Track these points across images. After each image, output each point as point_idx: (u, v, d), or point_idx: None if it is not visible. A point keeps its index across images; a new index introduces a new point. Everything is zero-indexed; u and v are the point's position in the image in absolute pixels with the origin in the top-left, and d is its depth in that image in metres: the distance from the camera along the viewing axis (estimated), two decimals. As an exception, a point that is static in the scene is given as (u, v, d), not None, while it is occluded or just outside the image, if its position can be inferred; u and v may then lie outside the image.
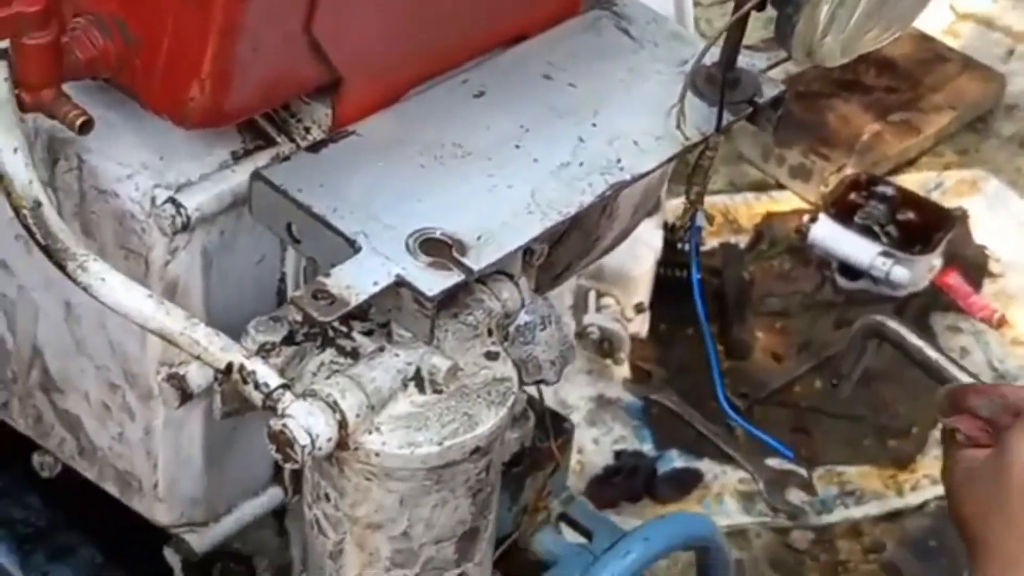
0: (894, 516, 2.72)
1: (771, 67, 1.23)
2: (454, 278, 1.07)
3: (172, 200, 1.14)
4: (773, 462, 2.75)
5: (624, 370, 2.87)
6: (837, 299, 3.10)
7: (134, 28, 1.08)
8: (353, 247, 1.08)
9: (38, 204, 1.08)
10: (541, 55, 1.25)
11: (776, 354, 3.00)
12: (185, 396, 1.24)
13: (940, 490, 2.72)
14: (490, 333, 1.19)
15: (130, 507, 1.38)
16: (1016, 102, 3.58)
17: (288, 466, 1.10)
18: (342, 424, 1.10)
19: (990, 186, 3.32)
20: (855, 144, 3.32)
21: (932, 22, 3.74)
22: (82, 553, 1.63)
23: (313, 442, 1.08)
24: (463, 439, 1.12)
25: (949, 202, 3.23)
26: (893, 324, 1.39)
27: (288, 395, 1.09)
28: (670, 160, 1.18)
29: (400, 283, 1.06)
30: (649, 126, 1.20)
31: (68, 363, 1.30)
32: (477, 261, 1.08)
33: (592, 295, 2.80)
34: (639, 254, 2.78)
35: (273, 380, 1.10)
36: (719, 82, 1.19)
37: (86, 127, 1.08)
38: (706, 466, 2.76)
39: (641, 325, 2.85)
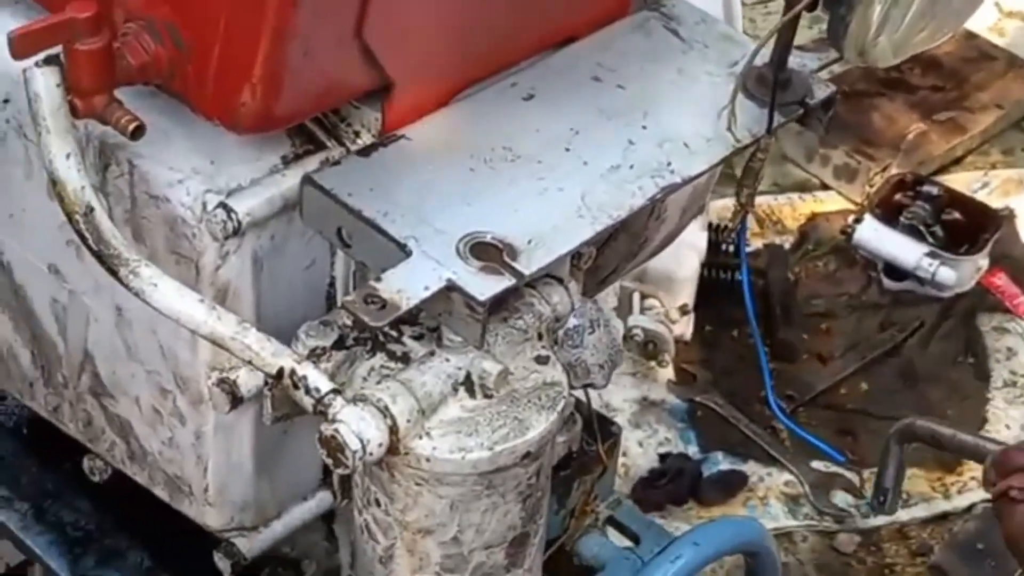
0: (941, 519, 2.70)
1: (822, 68, 1.22)
2: (505, 282, 1.07)
3: (223, 205, 1.14)
4: (819, 465, 2.73)
5: (668, 372, 2.85)
6: (883, 300, 3.07)
7: (186, 33, 1.08)
8: (404, 251, 1.08)
9: (91, 209, 1.09)
10: (590, 56, 1.25)
11: (821, 356, 2.98)
12: (236, 400, 1.24)
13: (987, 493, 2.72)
14: (540, 337, 1.19)
15: (180, 511, 1.38)
16: (1063, 101, 3.54)
17: (339, 471, 1.10)
18: (393, 429, 1.10)
19: (1037, 185, 3.29)
20: (900, 144, 3.29)
21: (977, 20, 3.70)
22: (131, 557, 1.64)
23: (364, 447, 1.08)
24: (514, 444, 1.12)
25: (996, 202, 3.20)
26: (921, 423, 1.42)
27: (339, 400, 1.09)
28: (721, 162, 1.17)
29: (451, 287, 1.06)
30: (699, 128, 1.19)
31: (119, 368, 1.31)
32: (528, 265, 1.08)
33: (636, 297, 2.78)
34: (683, 256, 2.77)
35: (324, 385, 1.10)
36: (770, 83, 1.19)
37: (138, 132, 1.08)
38: (751, 468, 2.74)
39: (685, 327, 2.83)
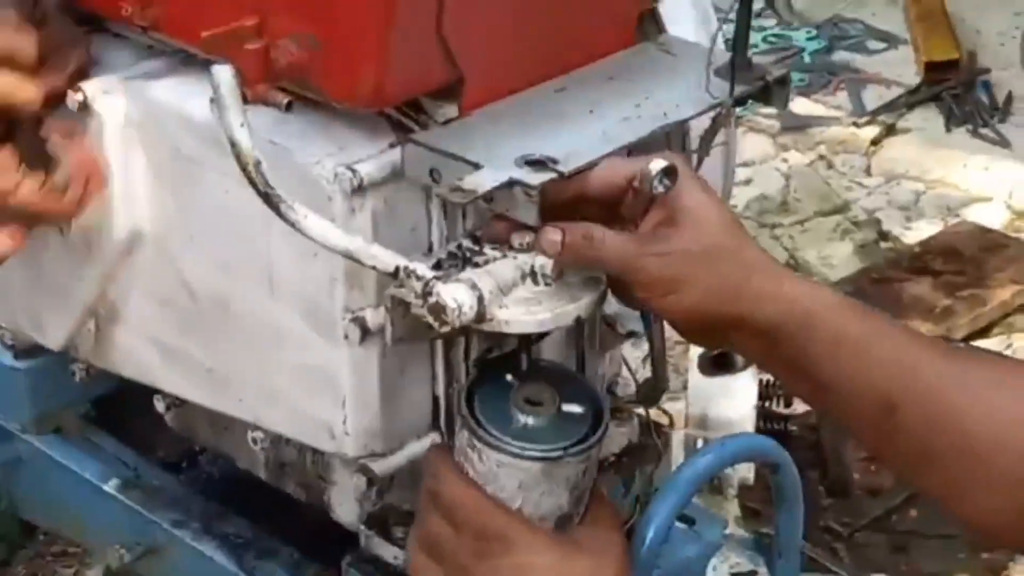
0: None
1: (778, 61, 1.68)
2: (551, 174, 1.51)
3: (351, 169, 1.60)
4: (876, 576, 3.05)
5: (735, 509, 3.21)
6: (925, 443, 3.42)
7: (320, 38, 1.56)
8: (477, 168, 1.53)
9: (259, 163, 1.54)
10: (605, 69, 1.73)
11: (873, 489, 3.32)
12: (365, 332, 1.66)
13: (1031, 591, 3.01)
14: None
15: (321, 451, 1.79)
16: (1078, 280, 3.94)
17: (442, 330, 1.51)
18: (480, 299, 1.52)
19: (1057, 336, 3.65)
20: (928, 316, 3.70)
21: (992, 220, 4.16)
22: (282, 553, 2.04)
23: (460, 308, 1.50)
24: (568, 307, 1.54)
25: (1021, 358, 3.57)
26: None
27: (440, 282, 1.53)
28: (704, 112, 1.63)
29: (512, 182, 1.51)
30: (687, 97, 1.66)
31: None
32: (567, 167, 1.53)
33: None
34: (738, 401, 3.17)
35: (428, 273, 1.54)
36: (735, 65, 1.65)
37: (290, 106, 1.56)
38: (815, 582, 3.06)
39: (747, 471, 3.21)
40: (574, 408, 1.48)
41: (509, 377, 1.49)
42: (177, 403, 1.97)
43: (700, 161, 1.65)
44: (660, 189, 1.43)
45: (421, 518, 1.46)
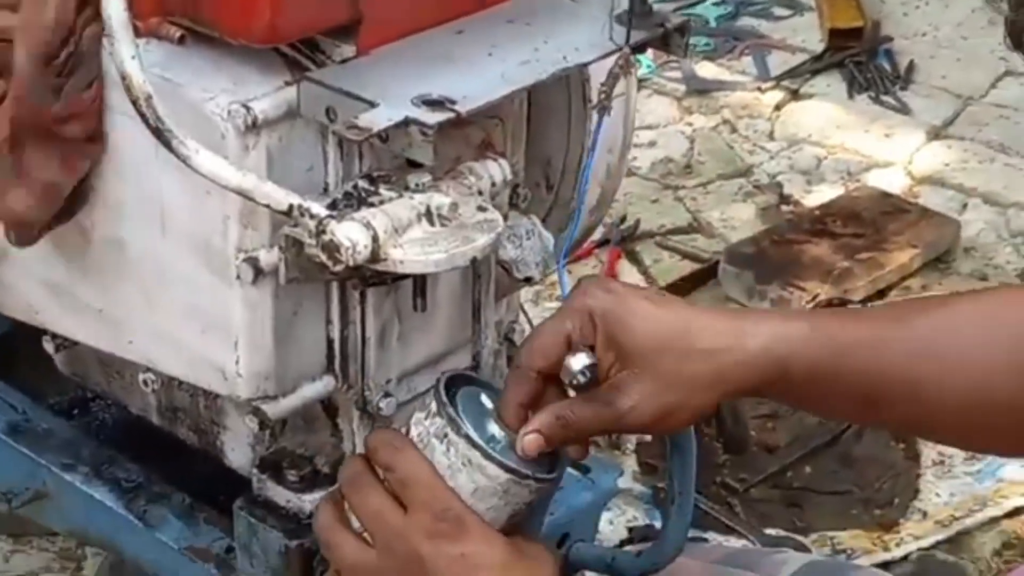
0: (882, 567, 3.03)
1: (677, 9, 1.68)
2: (447, 114, 1.50)
3: (245, 106, 1.58)
4: (771, 531, 3.08)
5: (633, 463, 3.23)
6: (822, 404, 3.47)
7: (215, -29, 1.54)
8: (374, 106, 1.52)
9: (150, 96, 1.52)
10: (505, 13, 1.72)
11: (769, 447, 3.36)
12: (258, 272, 1.65)
13: (922, 543, 3.07)
14: (480, 194, 1.62)
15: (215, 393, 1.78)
16: (972, 244, 4.00)
17: (336, 269, 1.50)
18: (375, 238, 1.51)
19: (952, 307, 3.70)
20: (827, 278, 3.73)
21: (891, 186, 4.21)
22: (174, 497, 2.02)
23: (354, 247, 1.49)
24: (463, 250, 1.53)
25: (916, 320, 3.61)
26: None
27: (334, 221, 1.51)
28: (603, 56, 1.63)
29: (408, 121, 1.50)
30: (588, 43, 1.65)
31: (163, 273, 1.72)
32: (464, 107, 1.52)
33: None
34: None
35: (323, 212, 1.52)
36: (634, 11, 1.65)
37: (183, 40, 1.53)
38: (711, 536, 3.09)
39: (646, 427, 3.23)
40: None
41: (483, 397, 1.42)
42: (67, 344, 1.94)
43: (603, 112, 1.64)
44: (582, 380, 1.36)
45: (357, 491, 1.39)
